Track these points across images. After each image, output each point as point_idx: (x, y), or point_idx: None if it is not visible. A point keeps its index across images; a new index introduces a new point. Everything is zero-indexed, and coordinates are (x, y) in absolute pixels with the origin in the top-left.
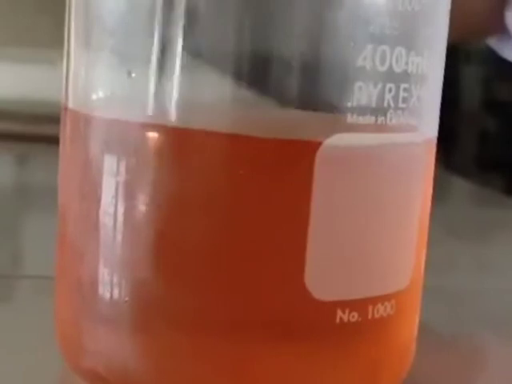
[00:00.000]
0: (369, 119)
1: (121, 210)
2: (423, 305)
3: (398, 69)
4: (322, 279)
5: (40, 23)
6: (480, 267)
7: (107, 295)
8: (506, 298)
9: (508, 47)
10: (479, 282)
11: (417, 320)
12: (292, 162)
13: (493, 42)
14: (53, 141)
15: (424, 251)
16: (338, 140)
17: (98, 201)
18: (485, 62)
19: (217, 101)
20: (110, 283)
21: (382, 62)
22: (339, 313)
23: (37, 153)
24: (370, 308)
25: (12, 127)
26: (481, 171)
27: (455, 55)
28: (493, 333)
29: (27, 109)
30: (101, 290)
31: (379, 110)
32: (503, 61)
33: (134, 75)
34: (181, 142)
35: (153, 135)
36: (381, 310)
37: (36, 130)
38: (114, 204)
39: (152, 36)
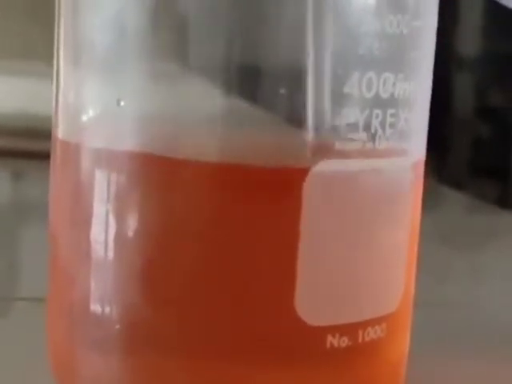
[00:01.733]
0: (356, 145)
1: (111, 236)
2: (416, 315)
3: (384, 94)
4: (312, 305)
5: (35, 36)
6: (474, 276)
7: (98, 320)
8: (500, 307)
9: None
10: (472, 292)
11: (408, 339)
12: (280, 189)
13: None
14: (49, 157)
15: (414, 271)
16: (325, 166)
17: (88, 226)
18: (478, 67)
19: (204, 128)
20: (101, 308)
21: (369, 88)
22: (329, 338)
23: (32, 169)
24: (361, 332)
25: (7, 143)
26: (474, 179)
27: (447, 61)
28: (488, 341)
29: (23, 124)
30: (92, 315)
31: (367, 136)
32: (497, 66)
33: (122, 104)
34: (169, 171)
35: (141, 164)
36: (371, 334)
37: (32, 146)
38: (104, 230)
39: (141, 65)
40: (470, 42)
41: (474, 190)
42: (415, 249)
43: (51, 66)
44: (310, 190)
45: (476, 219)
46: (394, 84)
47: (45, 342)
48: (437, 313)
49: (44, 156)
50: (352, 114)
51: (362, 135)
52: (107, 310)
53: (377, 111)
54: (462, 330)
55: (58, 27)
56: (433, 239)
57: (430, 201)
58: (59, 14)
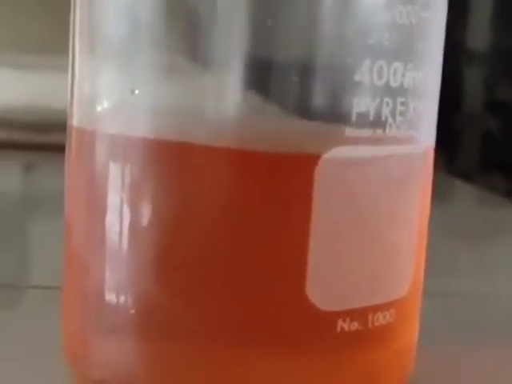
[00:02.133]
0: (367, 132)
1: (126, 223)
2: (424, 308)
3: (394, 83)
4: (324, 289)
5: (47, 30)
6: (482, 269)
7: (113, 306)
8: (508, 301)
9: None
10: (481, 284)
11: (417, 326)
12: (292, 176)
13: None
14: (60, 149)
15: (423, 259)
16: (336, 153)
17: (104, 214)
18: (488, 62)
19: (218, 117)
20: (116, 295)
21: (380, 76)
22: (340, 322)
23: (44, 161)
24: (370, 316)
25: (19, 136)
26: (483, 173)
27: (457, 56)
28: (495, 336)
29: (34, 117)
30: (107, 301)
31: (377, 123)
32: (507, 60)
33: (137, 92)
34: (183, 157)
35: (156, 150)
36: (381, 319)
37: (43, 139)
38: (119, 217)
39: (155, 53)
40: (479, 37)
41: (483, 184)
42: (425, 235)
43: (62, 59)
44: (321, 176)
45: (485, 212)
46: (404, 73)
47: (56, 330)
48: (444, 305)
49: (55, 148)
50: (363, 102)
51: (373, 123)
52: (122, 297)
53: (387, 99)
54: (470, 321)
55: (74, 18)
56: (442, 232)
57: (439, 194)
58: (75, 4)
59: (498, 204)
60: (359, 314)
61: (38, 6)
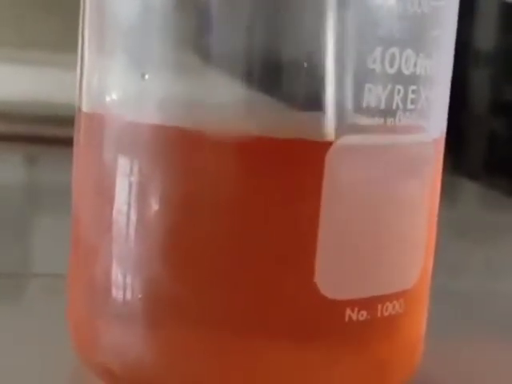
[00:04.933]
0: (378, 120)
1: (134, 209)
2: (432, 306)
3: (406, 71)
4: (333, 278)
5: (51, 26)
6: (489, 269)
7: (121, 293)
8: None
9: None
10: (488, 284)
11: (425, 319)
12: (302, 163)
13: None
14: (62, 142)
15: (432, 250)
16: (347, 141)
17: (112, 200)
18: (494, 62)
19: (228, 102)
20: (124, 281)
21: (391, 64)
22: (348, 311)
23: (46, 154)
24: (379, 306)
25: (22, 129)
26: (490, 173)
27: (464, 56)
28: (501, 335)
29: (37, 110)
30: (114, 287)
31: (388, 112)
32: None
33: (147, 77)
34: (193, 144)
35: (165, 136)
36: (389, 309)
37: (45, 132)
38: (127, 204)
39: (165, 38)
40: (486, 38)
41: (489, 183)
42: (434, 227)
43: (65, 54)
44: (332, 163)
45: (491, 212)
46: (416, 61)
47: (62, 318)
48: (451, 303)
49: (57, 141)
50: (374, 90)
51: (384, 111)
52: (129, 282)
53: (399, 87)
54: (476, 320)
55: (84, 11)
56: (448, 232)
57: (445, 194)
58: None
59: (503, 203)
60: (368, 303)
61: (42, 2)
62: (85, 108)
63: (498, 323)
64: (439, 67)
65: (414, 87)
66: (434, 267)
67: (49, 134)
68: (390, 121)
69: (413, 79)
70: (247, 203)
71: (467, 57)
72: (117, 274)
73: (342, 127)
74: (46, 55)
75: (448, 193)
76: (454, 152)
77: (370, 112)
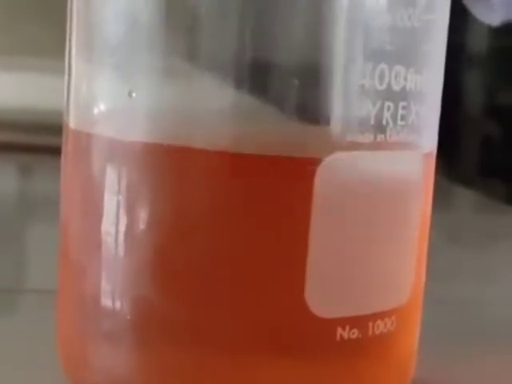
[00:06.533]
0: (368, 137)
1: (122, 227)
2: (425, 313)
3: (396, 87)
4: (323, 296)
5: (44, 33)
6: (482, 275)
7: (110, 312)
8: (508, 306)
9: (482, 7)
10: (481, 290)
11: (417, 334)
12: (291, 180)
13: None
14: (56, 151)
15: (424, 265)
16: (337, 158)
17: (100, 218)
18: (488, 65)
19: (216, 118)
20: (112, 300)
21: (381, 80)
22: (339, 330)
23: (40, 163)
24: (371, 324)
25: (15, 137)
26: (483, 178)
27: (457, 60)
28: (495, 341)
29: (31, 119)
30: (103, 306)
31: (378, 128)
32: (507, 64)
33: (134, 95)
34: (180, 161)
35: (152, 154)
36: (381, 327)
37: (39, 141)
38: (115, 221)
39: (153, 56)
40: (479, 41)
41: (483, 189)
42: (426, 242)
43: (58, 61)
44: (321, 181)
45: (485, 218)
46: (406, 77)
47: (52, 335)
48: (445, 311)
49: (51, 150)
50: (364, 106)
51: (374, 127)
52: (118, 302)
53: (388, 103)
54: (471, 327)
55: (71, 20)
56: (442, 238)
57: (439, 200)
58: (72, 6)
59: (497, 209)
60: (359, 321)
61: (34, 9)
62: (72, 123)
63: (492, 329)
64: (429, 82)
65: (404, 103)
66: (427, 273)
67: (43, 142)
68: (380, 137)
69: (403, 95)
70: (236, 221)
71: (461, 61)
72: (105, 294)
73: (332, 144)
74: (40, 61)
75: (441, 198)
76: (447, 157)
77: (359, 129)
